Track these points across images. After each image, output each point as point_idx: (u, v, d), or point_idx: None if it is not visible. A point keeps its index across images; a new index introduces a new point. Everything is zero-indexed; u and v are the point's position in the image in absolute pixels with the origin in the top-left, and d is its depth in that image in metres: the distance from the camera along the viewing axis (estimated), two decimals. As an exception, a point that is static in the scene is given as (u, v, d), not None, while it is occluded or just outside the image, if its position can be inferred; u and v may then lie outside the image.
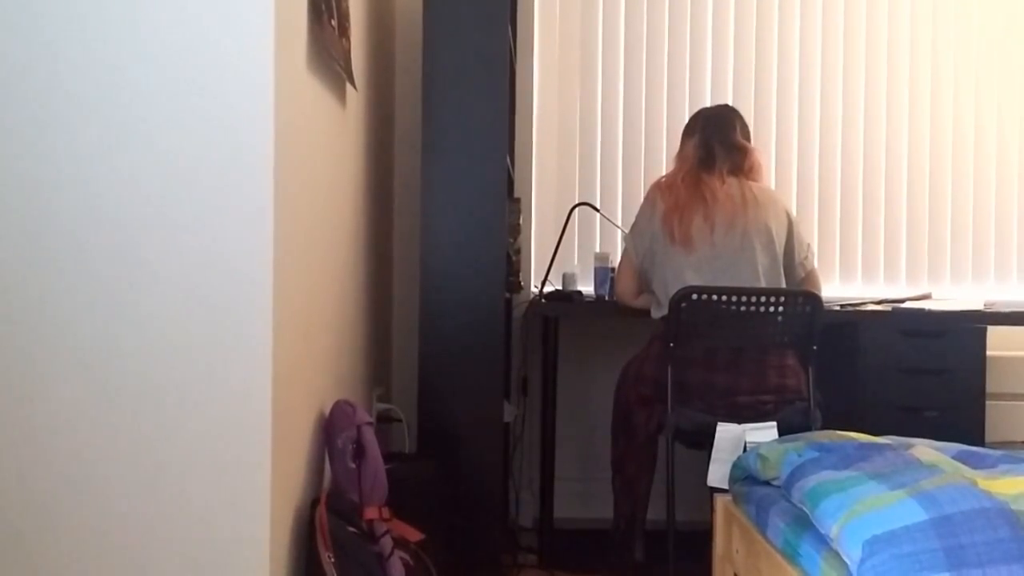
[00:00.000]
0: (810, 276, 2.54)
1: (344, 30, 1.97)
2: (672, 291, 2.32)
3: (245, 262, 1.45)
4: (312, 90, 1.76)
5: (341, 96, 2.06)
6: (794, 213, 2.53)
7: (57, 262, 1.43)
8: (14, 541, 1.43)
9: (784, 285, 2.42)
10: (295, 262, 1.62)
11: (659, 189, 2.44)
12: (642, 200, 2.52)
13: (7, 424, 1.43)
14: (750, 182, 2.43)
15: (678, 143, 2.59)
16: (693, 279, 2.30)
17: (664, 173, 2.63)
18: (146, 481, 1.44)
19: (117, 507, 1.44)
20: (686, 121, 2.60)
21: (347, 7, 2.02)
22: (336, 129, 2.02)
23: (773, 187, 3.15)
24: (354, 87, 2.18)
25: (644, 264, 2.44)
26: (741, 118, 2.53)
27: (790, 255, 2.46)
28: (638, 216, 2.48)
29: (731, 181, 2.40)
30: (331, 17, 1.83)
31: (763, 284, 2.36)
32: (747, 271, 2.35)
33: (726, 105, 2.66)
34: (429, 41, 2.37)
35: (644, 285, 2.49)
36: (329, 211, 1.95)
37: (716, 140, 2.45)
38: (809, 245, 2.55)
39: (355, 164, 2.29)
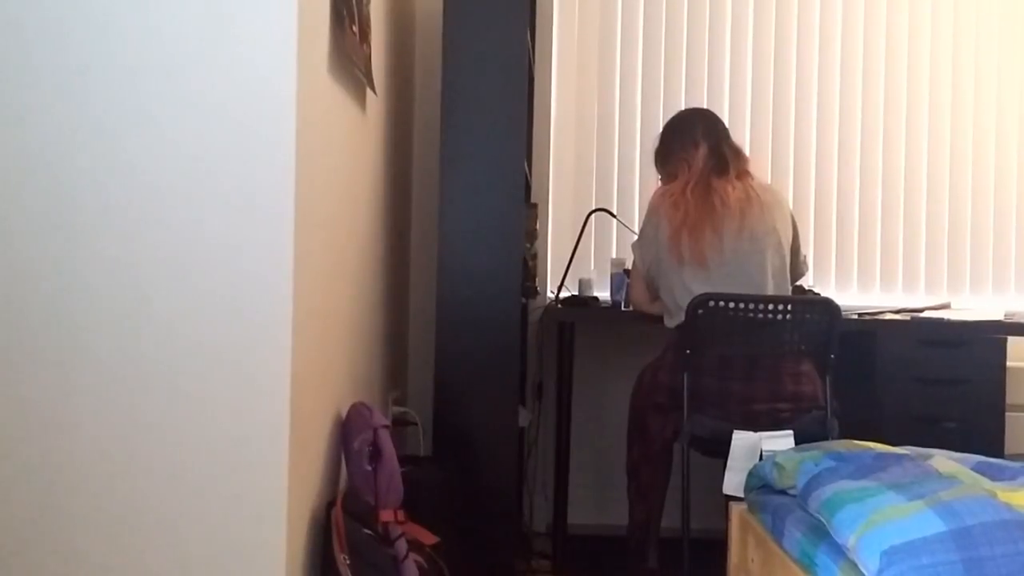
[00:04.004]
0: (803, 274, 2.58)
1: (365, 35, 1.99)
2: (680, 301, 2.32)
3: (265, 265, 1.46)
4: (333, 95, 1.77)
5: (361, 101, 2.08)
6: (811, 219, 2.52)
7: (77, 262, 1.45)
8: (29, 539, 1.44)
9: (791, 285, 2.44)
10: (315, 265, 1.64)
11: (663, 202, 2.41)
12: (648, 207, 2.49)
13: (24, 423, 1.44)
14: (752, 182, 2.43)
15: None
16: (701, 289, 2.29)
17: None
18: (163, 481, 1.46)
19: (133, 506, 1.45)
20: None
21: (368, 13, 2.03)
22: (356, 133, 2.03)
23: (791, 194, 3.15)
24: (374, 92, 2.19)
25: (651, 272, 2.44)
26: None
27: (795, 254, 2.48)
28: (644, 224, 2.48)
29: (737, 184, 2.40)
30: (352, 23, 1.84)
31: (771, 285, 2.36)
32: (757, 273, 2.35)
33: (702, 108, 2.68)
34: (449, 47, 2.38)
35: (655, 292, 2.49)
36: (348, 215, 1.97)
37: (724, 145, 2.45)
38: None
39: (374, 168, 2.30)
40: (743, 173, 2.43)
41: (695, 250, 2.32)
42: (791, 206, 2.61)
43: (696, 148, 2.44)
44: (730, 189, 2.38)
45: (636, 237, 2.55)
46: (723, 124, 2.53)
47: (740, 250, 2.34)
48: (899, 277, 3.21)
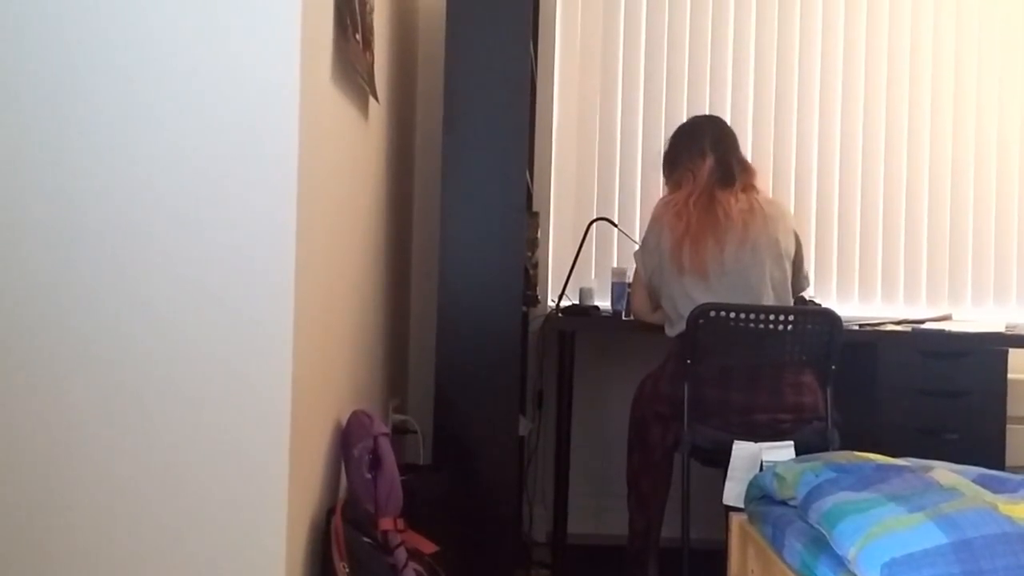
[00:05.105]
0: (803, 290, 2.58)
1: (368, 44, 1.99)
2: (681, 310, 2.32)
3: (267, 272, 1.46)
4: (336, 103, 1.77)
5: (364, 109, 2.08)
6: (812, 229, 2.52)
7: (79, 269, 1.45)
8: (26, 543, 1.44)
9: (792, 298, 2.43)
10: (316, 273, 1.64)
11: (666, 212, 2.42)
12: (651, 216, 2.50)
13: (23, 429, 1.44)
14: (757, 196, 2.43)
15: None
16: (703, 298, 2.30)
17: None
18: (163, 487, 1.45)
19: (134, 513, 1.45)
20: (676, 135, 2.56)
21: (371, 21, 2.04)
22: (358, 142, 2.04)
23: (792, 204, 3.16)
24: (376, 100, 2.20)
25: (653, 281, 2.45)
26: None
27: (797, 268, 2.48)
28: (647, 233, 2.48)
29: (741, 197, 2.40)
30: (355, 31, 1.85)
31: (771, 297, 2.36)
32: (757, 284, 2.35)
33: (714, 117, 2.66)
34: (451, 55, 2.39)
35: (657, 301, 2.49)
36: (350, 223, 1.97)
37: (732, 157, 2.46)
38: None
39: (376, 176, 2.31)
40: (748, 187, 2.43)
41: (697, 260, 2.32)
42: (792, 215, 2.61)
43: (703, 159, 2.44)
44: (733, 201, 2.38)
45: (638, 246, 2.55)
46: (733, 135, 2.51)
47: (742, 261, 2.35)
48: (900, 288, 3.21)
